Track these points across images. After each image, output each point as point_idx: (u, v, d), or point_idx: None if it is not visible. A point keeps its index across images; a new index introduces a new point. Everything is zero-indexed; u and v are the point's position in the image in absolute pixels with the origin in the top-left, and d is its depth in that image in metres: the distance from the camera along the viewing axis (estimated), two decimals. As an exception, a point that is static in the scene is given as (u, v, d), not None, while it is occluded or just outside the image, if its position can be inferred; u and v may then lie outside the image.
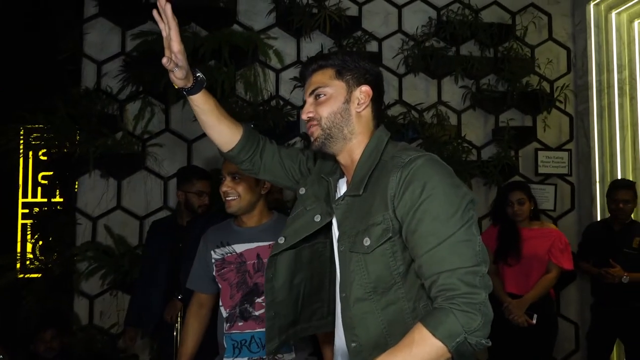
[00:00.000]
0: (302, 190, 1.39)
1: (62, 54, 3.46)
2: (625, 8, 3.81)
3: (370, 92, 1.26)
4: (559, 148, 4.04)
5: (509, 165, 3.77)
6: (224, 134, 1.36)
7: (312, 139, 1.27)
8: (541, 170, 3.96)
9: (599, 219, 3.72)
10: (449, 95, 3.96)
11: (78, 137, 3.38)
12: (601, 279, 3.12)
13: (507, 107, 3.95)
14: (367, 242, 1.14)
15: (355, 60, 1.27)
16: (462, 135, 3.90)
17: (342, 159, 1.28)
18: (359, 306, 1.17)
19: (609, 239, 3.23)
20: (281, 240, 1.35)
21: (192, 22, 3.58)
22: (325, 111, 1.23)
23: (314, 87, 1.26)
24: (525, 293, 2.88)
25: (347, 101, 1.24)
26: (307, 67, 1.31)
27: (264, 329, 1.68)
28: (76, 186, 3.50)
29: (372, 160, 1.21)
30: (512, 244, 2.96)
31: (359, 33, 3.82)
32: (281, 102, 3.72)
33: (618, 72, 3.84)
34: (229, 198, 1.75)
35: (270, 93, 3.73)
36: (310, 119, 1.26)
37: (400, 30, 3.94)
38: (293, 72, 3.77)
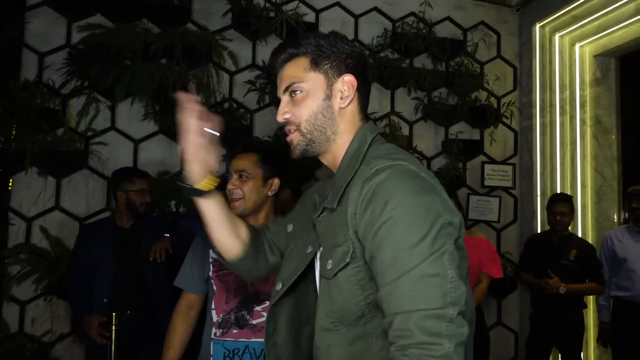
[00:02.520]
0: (289, 228, 1.22)
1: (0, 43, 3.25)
2: (568, 32, 4.02)
3: (355, 82, 1.05)
4: (504, 162, 4.19)
5: (457, 177, 3.87)
6: (222, 242, 1.19)
7: (291, 145, 1.08)
8: (487, 182, 4.09)
9: (539, 230, 3.88)
10: (401, 106, 4.02)
11: (14, 132, 3.17)
12: (540, 290, 3.25)
13: (456, 120, 4.06)
14: (329, 265, 0.97)
15: (332, 43, 1.05)
16: (414, 145, 3.97)
17: (326, 161, 1.10)
18: (323, 337, 1.00)
19: (547, 250, 3.37)
20: (278, 286, 1.12)
21: (144, 18, 3.45)
22: (304, 112, 1.04)
23: (288, 83, 1.06)
24: None
25: (328, 97, 1.04)
26: (276, 57, 1.09)
27: (259, 339, 1.60)
28: (10, 184, 3.28)
29: (352, 167, 1.01)
30: None
31: (315, 40, 3.81)
32: (234, 105, 3.65)
33: (560, 92, 4.04)
34: (234, 197, 1.64)
35: (224, 95, 3.65)
36: (287, 121, 1.07)
37: (356, 39, 3.97)
38: (247, 75, 3.72)
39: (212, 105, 3.55)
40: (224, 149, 3.53)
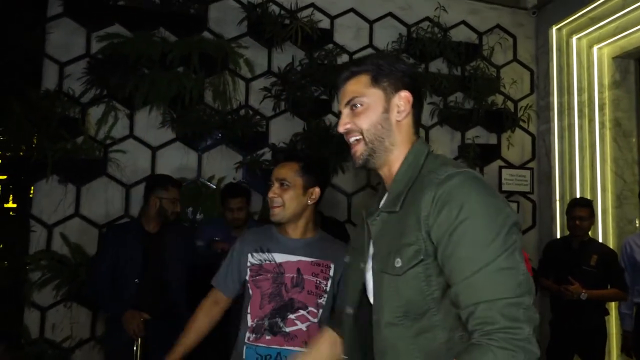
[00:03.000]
0: (346, 259, 1.32)
1: (21, 54, 3.32)
2: (585, 34, 3.97)
3: (410, 98, 1.16)
4: (522, 166, 4.15)
5: (474, 182, 3.83)
6: None
7: (354, 156, 1.17)
8: (505, 187, 4.04)
9: (558, 236, 3.83)
10: (417, 111, 4.00)
11: (35, 141, 3.23)
12: (560, 296, 3.20)
13: (473, 124, 4.03)
14: (398, 263, 1.05)
15: (391, 63, 1.16)
16: (431, 150, 3.94)
17: (383, 172, 1.19)
18: (390, 331, 1.07)
19: (567, 256, 3.31)
20: (349, 311, 1.22)
21: (162, 27, 3.50)
22: (364, 123, 1.14)
23: (350, 97, 1.16)
24: None
25: (386, 110, 1.15)
26: (340, 75, 1.20)
27: (291, 347, 1.65)
28: (31, 192, 3.34)
29: (410, 174, 1.12)
30: None
31: (330, 46, 3.83)
32: (250, 112, 3.67)
33: (578, 95, 3.99)
34: (274, 205, 1.69)
35: (240, 102, 3.68)
36: (348, 132, 1.16)
37: (371, 44, 3.97)
38: (263, 82, 3.74)
39: (229, 113, 3.58)
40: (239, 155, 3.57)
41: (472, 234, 0.97)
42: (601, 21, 3.78)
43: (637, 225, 3.86)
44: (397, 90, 1.15)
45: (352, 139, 1.16)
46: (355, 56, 3.92)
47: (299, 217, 1.72)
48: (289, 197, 1.68)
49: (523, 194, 4.11)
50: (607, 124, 3.94)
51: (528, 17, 4.32)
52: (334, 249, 1.75)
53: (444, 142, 4.06)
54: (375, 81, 1.15)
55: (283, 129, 3.74)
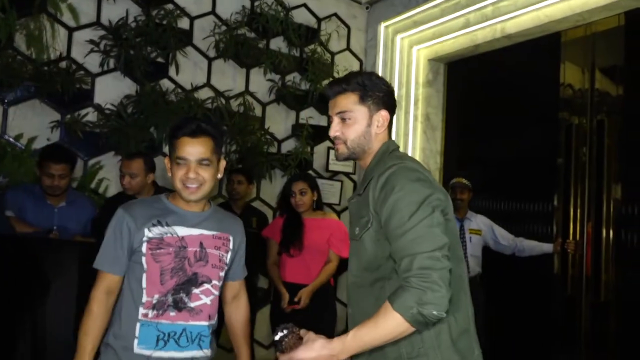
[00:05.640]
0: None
1: None
2: (408, 35, 4.42)
3: (388, 116, 1.46)
4: (347, 149, 4.47)
5: (305, 160, 4.02)
6: None
7: (337, 152, 1.49)
8: (331, 167, 4.33)
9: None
10: (255, 86, 4.02)
11: None
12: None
13: (307, 105, 4.20)
14: (356, 230, 1.41)
15: (374, 85, 1.45)
16: (266, 127, 4.01)
17: (362, 164, 1.51)
18: (354, 283, 1.43)
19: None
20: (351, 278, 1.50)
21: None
22: (351, 134, 1.44)
23: (340, 110, 1.44)
24: (309, 282, 2.99)
25: (369, 124, 1.45)
26: (332, 89, 1.47)
27: (196, 322, 1.62)
28: None
29: (374, 166, 1.43)
30: (295, 234, 3.03)
31: (170, 6, 3.59)
32: (73, 66, 3.26)
33: (398, 89, 4.43)
34: (193, 185, 1.59)
35: (60, 53, 3.23)
36: (336, 137, 1.47)
37: (213, 12, 3.84)
38: (90, 33, 3.35)
39: (46, 63, 3.12)
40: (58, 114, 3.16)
41: (399, 208, 1.28)
42: (422, 25, 4.25)
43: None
44: (378, 109, 1.45)
45: (336, 141, 1.47)
46: (196, 22, 3.76)
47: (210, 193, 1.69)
48: (209, 176, 1.62)
49: (346, 174, 4.45)
50: (419, 118, 4.48)
51: (362, 10, 4.63)
52: (230, 222, 1.74)
53: (279, 120, 4.16)
54: (362, 100, 1.44)
55: (112, 89, 3.41)
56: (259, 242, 3.20)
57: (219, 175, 1.68)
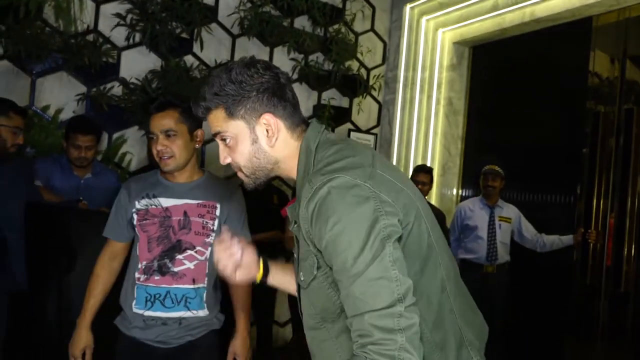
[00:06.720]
0: None
1: None
2: (434, 17, 4.36)
3: (273, 118, 1.07)
4: (368, 131, 4.46)
5: (326, 141, 4.00)
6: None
7: (244, 182, 1.15)
8: (351, 149, 4.31)
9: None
10: (278, 65, 3.92)
11: None
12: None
13: (330, 86, 4.18)
14: (302, 276, 1.09)
15: (241, 86, 1.05)
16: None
17: (284, 177, 1.16)
18: (314, 335, 1.14)
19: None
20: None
21: None
22: (240, 159, 1.10)
23: (215, 132, 1.10)
24: None
25: (255, 140, 1.08)
26: (196, 109, 1.11)
27: (180, 285, 1.73)
28: None
29: (303, 179, 1.08)
30: None
31: (196, -19, 3.57)
32: (100, 39, 3.27)
33: (422, 72, 4.39)
34: (164, 157, 1.69)
35: (88, 26, 3.24)
36: (231, 165, 1.14)
37: (241, -11, 3.81)
38: (116, 7, 3.35)
39: (73, 36, 3.13)
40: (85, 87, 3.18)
41: (341, 247, 0.94)
42: (448, 7, 4.19)
43: (454, 192, 4.48)
44: (258, 115, 1.07)
45: (234, 169, 1.15)
46: (222, -2, 3.73)
47: (188, 162, 1.76)
48: (178, 146, 1.70)
49: (366, 157, 4.43)
50: (442, 102, 4.44)
51: (387, -10, 4.57)
52: (220, 190, 1.81)
53: (301, 100, 4.04)
54: (231, 114, 1.07)
55: (137, 64, 3.42)
56: (281, 217, 3.23)
57: (197, 145, 1.77)
